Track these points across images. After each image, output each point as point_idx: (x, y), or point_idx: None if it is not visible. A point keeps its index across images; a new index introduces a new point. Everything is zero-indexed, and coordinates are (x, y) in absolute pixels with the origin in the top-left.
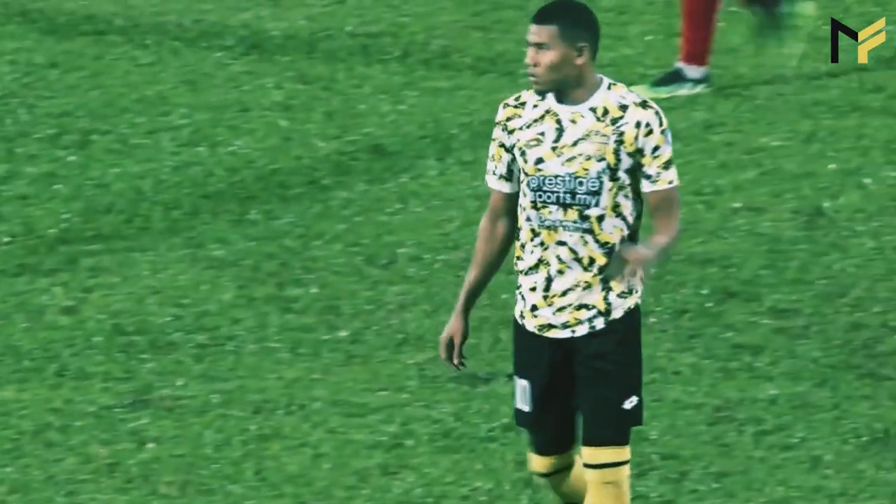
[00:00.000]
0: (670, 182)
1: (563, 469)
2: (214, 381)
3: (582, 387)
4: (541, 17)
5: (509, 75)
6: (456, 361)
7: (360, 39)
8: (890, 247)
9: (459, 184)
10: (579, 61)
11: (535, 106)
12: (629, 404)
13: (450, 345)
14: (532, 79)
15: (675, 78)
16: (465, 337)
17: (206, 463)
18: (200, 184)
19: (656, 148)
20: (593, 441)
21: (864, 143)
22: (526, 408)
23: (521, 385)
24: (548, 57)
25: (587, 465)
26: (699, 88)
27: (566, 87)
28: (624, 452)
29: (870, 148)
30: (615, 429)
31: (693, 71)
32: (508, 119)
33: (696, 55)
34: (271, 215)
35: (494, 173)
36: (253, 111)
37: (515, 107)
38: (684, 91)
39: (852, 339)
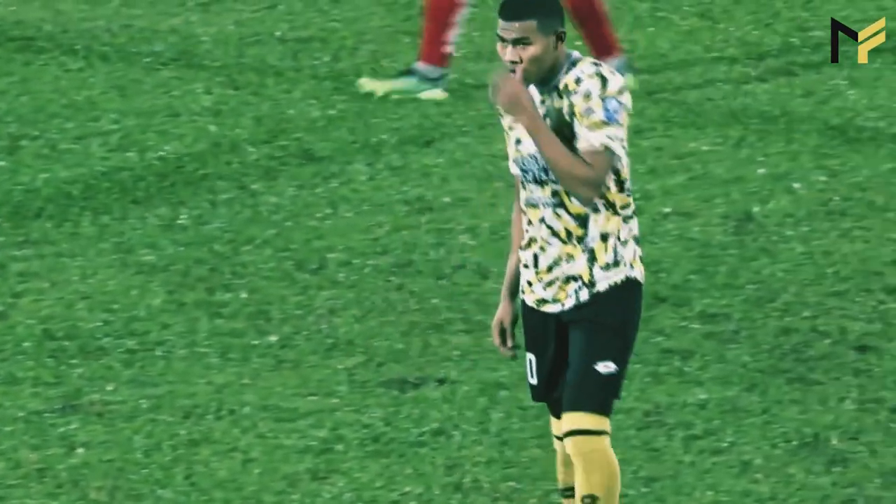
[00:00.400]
0: (589, 143)
1: None
2: (144, 386)
3: (569, 353)
4: (516, 13)
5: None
6: (509, 344)
7: (290, 45)
8: (819, 251)
9: (389, 189)
10: (560, 47)
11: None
12: (604, 368)
13: (502, 331)
14: (516, 74)
15: (410, 73)
16: (514, 320)
17: (135, 468)
18: (130, 189)
19: (589, 110)
20: (571, 406)
21: (794, 148)
22: (533, 381)
23: (528, 358)
24: (530, 51)
25: (565, 435)
26: (436, 91)
27: (546, 72)
28: (599, 421)
29: (799, 153)
30: (589, 392)
31: (431, 71)
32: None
33: (433, 55)
34: (201, 220)
35: (510, 158)
36: (182, 116)
37: None
38: (421, 90)
39: (782, 343)
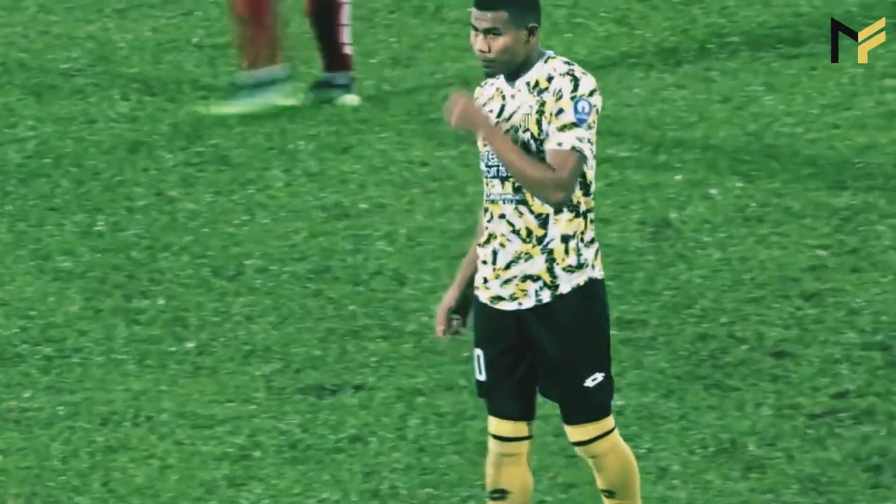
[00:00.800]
0: (559, 143)
1: (521, 440)
2: (61, 392)
3: (542, 369)
4: (489, 3)
5: (356, 87)
6: (452, 328)
7: (207, 51)
8: (736, 258)
9: (306, 195)
10: (531, 41)
11: (492, 84)
12: (592, 382)
13: (445, 316)
14: (484, 63)
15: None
16: (461, 308)
17: (52, 475)
18: (47, 195)
19: (560, 111)
20: (567, 421)
21: (711, 154)
22: (481, 377)
23: (476, 354)
24: (499, 42)
25: (572, 443)
26: (350, 96)
27: (515, 66)
28: (602, 425)
29: (716, 159)
30: (585, 409)
31: (339, 77)
32: (476, 99)
33: (337, 62)
34: (118, 227)
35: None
36: (99, 123)
37: (481, 86)
38: (339, 99)
39: (699, 349)
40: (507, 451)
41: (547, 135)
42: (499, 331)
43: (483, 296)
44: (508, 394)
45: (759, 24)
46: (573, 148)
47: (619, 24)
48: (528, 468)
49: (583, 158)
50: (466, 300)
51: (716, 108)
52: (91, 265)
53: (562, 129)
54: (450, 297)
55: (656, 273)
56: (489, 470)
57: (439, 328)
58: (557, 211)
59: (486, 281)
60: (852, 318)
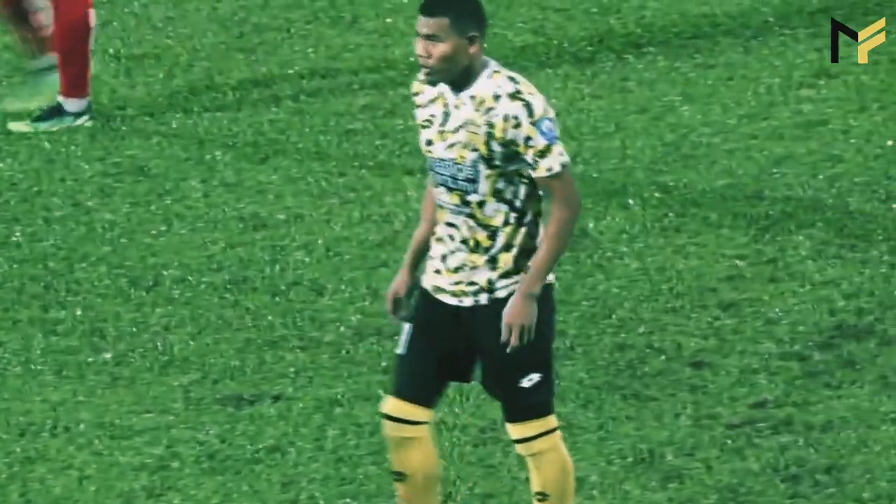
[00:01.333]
0: (549, 169)
1: (415, 423)
2: None
3: (483, 367)
4: (431, 9)
5: (273, 98)
6: (402, 314)
7: (124, 62)
8: (654, 267)
9: (223, 206)
10: (471, 51)
11: (434, 86)
12: (527, 382)
13: (396, 300)
14: (425, 70)
15: (56, 113)
16: (410, 290)
17: None
18: None
19: (528, 138)
20: (507, 419)
21: (628, 164)
22: (400, 350)
23: (405, 328)
24: (440, 49)
25: (513, 441)
26: (82, 120)
27: (457, 75)
28: (542, 424)
29: (633, 169)
30: (522, 408)
31: (73, 104)
32: (416, 94)
33: (75, 87)
34: (35, 237)
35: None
36: (16, 133)
37: (422, 82)
38: (66, 124)
39: (617, 360)
40: (401, 433)
41: (528, 163)
42: (435, 317)
43: (427, 282)
44: (417, 375)
45: (676, 35)
46: (562, 165)
47: (535, 34)
48: (433, 451)
49: (568, 165)
50: (414, 284)
51: (633, 119)
52: (8, 276)
53: (542, 155)
54: (400, 281)
55: (574, 283)
56: (391, 454)
57: (390, 312)
58: (505, 223)
59: (436, 272)
60: (770, 327)
